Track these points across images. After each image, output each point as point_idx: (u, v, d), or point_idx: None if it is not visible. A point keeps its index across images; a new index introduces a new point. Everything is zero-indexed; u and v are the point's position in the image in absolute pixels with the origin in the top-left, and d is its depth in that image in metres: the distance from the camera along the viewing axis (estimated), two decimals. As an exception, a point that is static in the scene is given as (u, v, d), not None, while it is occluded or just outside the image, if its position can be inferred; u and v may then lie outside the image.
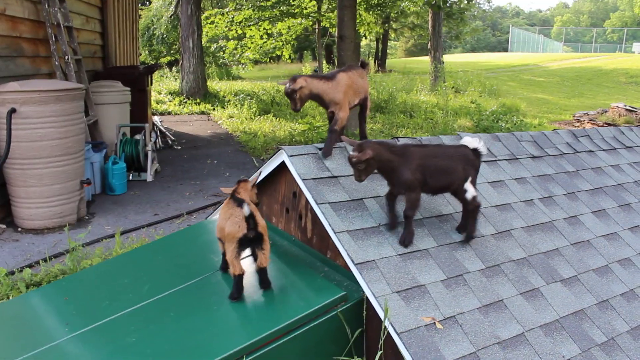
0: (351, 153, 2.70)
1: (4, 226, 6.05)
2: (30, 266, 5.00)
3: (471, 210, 2.97)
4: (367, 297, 2.64)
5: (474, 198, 2.95)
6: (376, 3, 20.92)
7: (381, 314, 2.48)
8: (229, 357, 2.37)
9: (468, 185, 2.93)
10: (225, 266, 3.02)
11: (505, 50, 56.16)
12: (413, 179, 2.77)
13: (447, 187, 2.94)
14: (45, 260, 5.04)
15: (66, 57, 7.49)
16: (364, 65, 3.52)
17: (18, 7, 6.75)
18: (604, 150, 4.61)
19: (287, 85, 3.04)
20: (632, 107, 16.07)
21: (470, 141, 3.01)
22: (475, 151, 2.99)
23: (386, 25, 29.07)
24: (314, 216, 3.04)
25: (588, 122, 15.56)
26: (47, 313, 3.06)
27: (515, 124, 12.31)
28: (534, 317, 2.78)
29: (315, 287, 2.79)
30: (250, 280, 3.02)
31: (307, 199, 3.00)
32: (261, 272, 2.80)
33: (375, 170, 2.81)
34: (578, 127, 15.28)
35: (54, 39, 7.35)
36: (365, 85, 3.46)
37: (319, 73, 3.64)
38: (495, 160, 3.82)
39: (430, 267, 2.79)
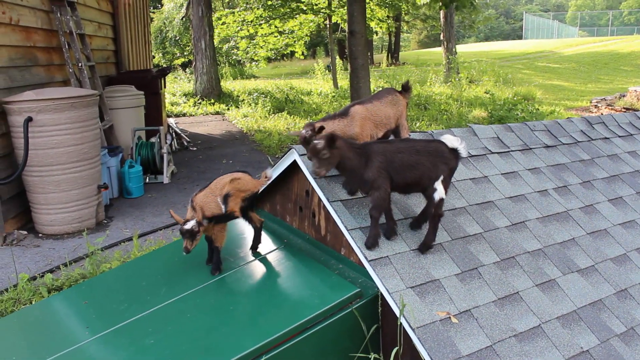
0: (315, 141, 2.61)
1: (25, 232, 6.16)
2: (51, 271, 5.08)
3: (432, 216, 2.78)
4: (381, 293, 2.64)
5: (441, 202, 2.75)
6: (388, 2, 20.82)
7: (396, 310, 2.49)
8: (247, 356, 2.40)
9: (438, 185, 2.74)
10: (217, 266, 3.12)
11: (520, 37, 55.53)
12: (376, 176, 2.64)
13: (415, 184, 2.76)
14: (65, 265, 5.12)
15: (80, 64, 7.58)
16: (406, 89, 3.21)
17: (31, 17, 6.85)
18: (619, 136, 4.55)
19: (304, 131, 2.79)
20: (651, 91, 15.80)
21: (451, 140, 2.81)
22: (455, 151, 2.80)
23: (397, 22, 28.91)
24: (327, 214, 3.05)
25: (606, 108, 15.35)
26: (68, 317, 3.12)
27: (530, 113, 12.19)
28: (550, 309, 2.76)
29: (330, 285, 2.80)
30: (266, 279, 3.05)
31: (319, 197, 3.01)
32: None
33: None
34: (595, 112, 15.09)
35: (67, 46, 7.45)
36: (396, 114, 3.13)
37: (331, 113, 3.17)
38: (509, 151, 3.79)
39: (444, 261, 2.79)
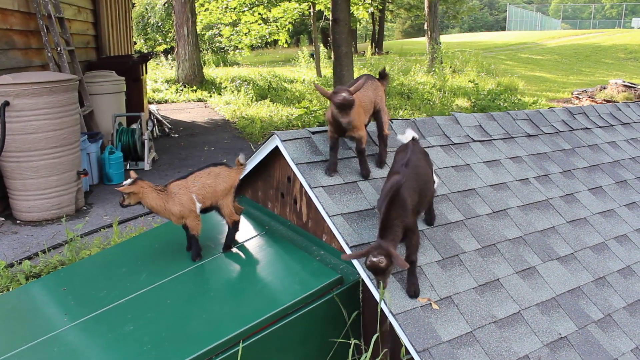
0: (373, 259, 2.27)
1: (2, 219, 6.06)
2: (29, 258, 5.01)
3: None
4: (362, 280, 2.64)
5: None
6: None
7: (377, 296, 2.48)
8: (226, 342, 2.39)
9: (434, 176, 2.84)
10: (197, 252, 3.11)
11: (503, 29, 55.81)
12: (414, 220, 2.50)
13: (430, 194, 2.76)
14: (44, 251, 5.05)
15: (59, 49, 7.44)
16: (383, 76, 3.25)
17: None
18: (600, 127, 4.59)
19: (346, 95, 2.73)
20: (631, 83, 16.00)
21: (411, 133, 2.82)
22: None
23: (380, 14, 28.84)
24: (309, 200, 3.03)
25: (587, 99, 15.50)
26: (47, 304, 3.07)
27: (513, 103, 12.27)
28: (530, 296, 2.78)
29: (311, 271, 2.79)
30: (247, 266, 3.04)
31: (301, 183, 2.99)
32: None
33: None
34: (577, 104, 15.23)
35: (45, 30, 7.30)
36: (377, 99, 3.13)
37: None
38: (491, 140, 3.80)
39: (425, 248, 2.79)
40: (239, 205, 3.25)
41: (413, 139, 2.81)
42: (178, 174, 7.88)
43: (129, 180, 2.99)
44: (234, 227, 3.16)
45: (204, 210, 3.10)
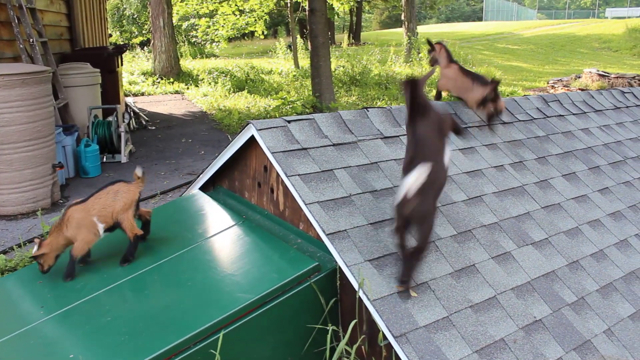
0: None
1: (-24, 214, 5.96)
2: (4, 252, 4.94)
3: None
4: (340, 267, 2.65)
5: None
6: None
7: (354, 283, 2.50)
8: (204, 331, 2.39)
9: None
10: (70, 273, 3.00)
11: (480, 19, 56.14)
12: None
13: None
14: (19, 245, 4.99)
15: (31, 40, 7.31)
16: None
17: (-23, -11, 6.56)
18: (573, 114, 4.65)
19: None
20: (605, 72, 16.22)
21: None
22: None
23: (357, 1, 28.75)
24: (285, 189, 3.04)
25: (562, 88, 15.69)
26: (22, 297, 3.04)
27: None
28: (505, 280, 2.82)
29: (288, 259, 2.80)
30: (224, 255, 3.03)
31: (277, 172, 2.99)
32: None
33: None
34: (552, 93, 15.39)
35: (16, 21, 7.17)
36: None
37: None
38: (465, 127, 3.83)
39: (402, 235, 2.80)
40: (146, 209, 3.22)
41: None
42: (155, 166, 7.83)
43: (35, 247, 2.95)
44: (135, 241, 3.05)
45: (110, 229, 3.06)
